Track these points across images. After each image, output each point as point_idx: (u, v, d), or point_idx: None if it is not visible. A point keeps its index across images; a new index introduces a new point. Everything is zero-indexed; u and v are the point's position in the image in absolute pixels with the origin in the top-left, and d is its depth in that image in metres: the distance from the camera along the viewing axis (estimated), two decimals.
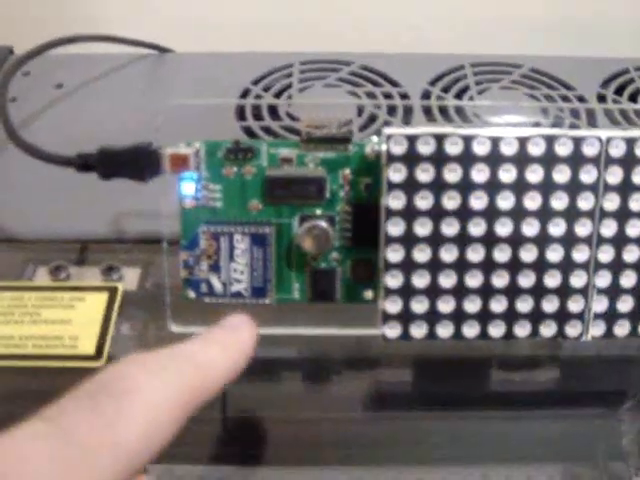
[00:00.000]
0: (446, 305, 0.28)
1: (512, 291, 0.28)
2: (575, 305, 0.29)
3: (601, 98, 0.44)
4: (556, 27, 0.55)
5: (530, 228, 0.28)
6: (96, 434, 0.19)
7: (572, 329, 0.29)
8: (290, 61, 0.46)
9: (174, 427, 0.20)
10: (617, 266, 0.29)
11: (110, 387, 0.20)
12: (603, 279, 0.29)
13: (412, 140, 0.27)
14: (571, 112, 0.42)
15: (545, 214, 0.28)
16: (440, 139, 0.27)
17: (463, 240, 0.28)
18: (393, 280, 0.28)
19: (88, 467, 0.18)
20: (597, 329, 0.29)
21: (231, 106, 0.42)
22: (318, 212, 0.29)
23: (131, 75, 0.46)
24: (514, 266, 0.28)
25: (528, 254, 0.28)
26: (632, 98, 0.44)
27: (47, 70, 0.46)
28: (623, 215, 0.28)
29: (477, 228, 0.28)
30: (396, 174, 0.27)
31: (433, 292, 0.28)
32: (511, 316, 0.29)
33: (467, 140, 0.27)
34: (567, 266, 0.28)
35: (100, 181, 0.31)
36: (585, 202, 0.28)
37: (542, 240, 0.28)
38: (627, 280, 0.29)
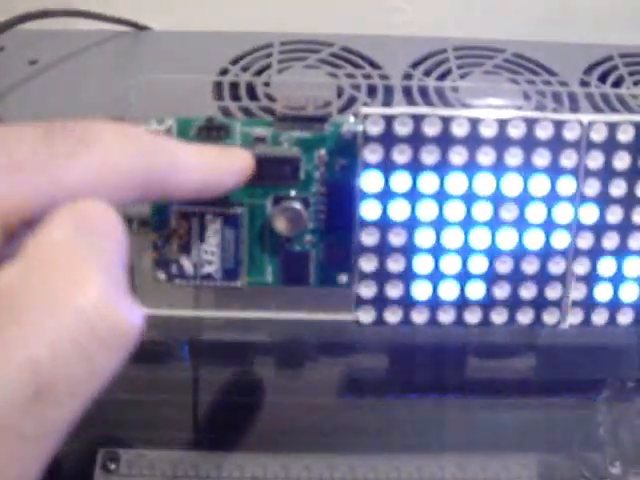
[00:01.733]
0: (422, 290, 0.28)
1: (489, 277, 0.28)
2: (553, 292, 0.28)
3: (584, 84, 0.44)
4: (540, 13, 0.54)
5: (509, 213, 0.27)
6: (40, 162, 0.18)
7: (550, 316, 0.29)
8: (270, 41, 0.45)
9: (118, 197, 0.20)
10: (596, 253, 0.28)
11: (73, 133, 0.19)
12: (582, 266, 0.28)
13: (389, 120, 0.27)
14: (553, 97, 0.41)
15: (524, 198, 0.27)
16: (418, 120, 0.27)
17: (440, 224, 0.27)
18: (367, 264, 0.28)
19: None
20: (575, 317, 0.29)
21: (208, 85, 0.41)
22: (292, 193, 0.28)
23: (107, 52, 0.45)
24: (492, 251, 0.28)
25: (506, 239, 0.28)
26: (616, 85, 0.44)
27: (21, 46, 0.45)
28: (603, 201, 0.28)
29: (454, 212, 0.27)
30: (372, 155, 0.27)
31: (408, 277, 0.28)
32: (488, 302, 0.28)
33: (445, 121, 0.27)
34: (546, 252, 0.28)
35: None
36: (565, 187, 0.27)
37: (521, 225, 0.28)
38: (606, 268, 0.28)
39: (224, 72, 0.43)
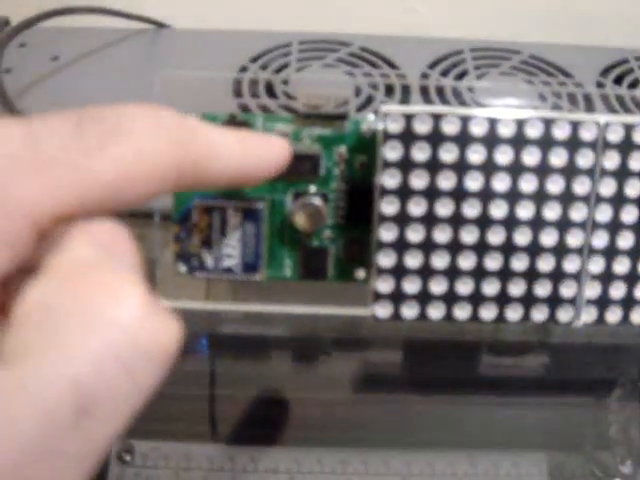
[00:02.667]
0: (438, 286, 0.28)
1: (505, 274, 0.28)
2: (568, 290, 0.29)
3: (600, 86, 0.44)
4: (556, 15, 0.55)
5: (525, 211, 0.28)
6: (71, 156, 0.18)
7: (564, 314, 0.29)
8: (289, 40, 0.45)
9: (150, 188, 0.19)
10: (611, 252, 0.29)
11: (105, 122, 0.19)
12: (596, 265, 0.29)
13: (409, 118, 0.27)
14: (569, 99, 0.42)
15: (540, 197, 0.28)
16: (437, 118, 0.27)
17: (457, 221, 0.28)
18: (385, 259, 0.28)
19: (54, 174, 0.18)
20: (589, 315, 0.29)
21: (228, 82, 0.41)
22: (312, 189, 0.29)
23: (128, 50, 0.46)
24: (508, 249, 0.28)
25: (522, 237, 0.28)
26: (631, 87, 0.44)
27: (43, 42, 0.46)
28: (619, 201, 0.28)
29: (471, 209, 0.28)
30: (392, 152, 0.27)
31: (425, 272, 0.28)
32: (503, 299, 0.29)
33: (464, 120, 0.27)
34: (561, 250, 0.28)
35: None
36: (581, 186, 0.28)
37: (536, 223, 0.28)
38: (620, 266, 0.29)
39: (243, 70, 0.43)
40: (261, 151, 0.24)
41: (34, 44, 0.46)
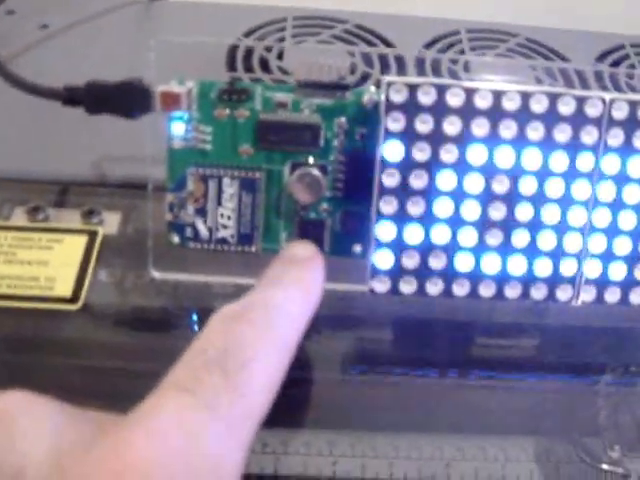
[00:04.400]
0: (437, 261, 0.28)
1: (505, 251, 0.28)
2: (568, 268, 0.28)
3: (596, 72, 0.44)
4: (553, 1, 0.54)
5: (527, 186, 0.27)
6: (235, 407, 0.19)
7: (563, 293, 0.29)
8: (284, 15, 0.45)
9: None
10: (612, 231, 0.28)
11: (233, 355, 0.20)
12: (597, 244, 0.28)
13: (413, 89, 0.26)
14: (565, 82, 0.41)
15: (543, 173, 0.27)
16: (441, 90, 0.26)
17: (458, 195, 0.27)
18: (384, 233, 0.28)
19: (233, 441, 0.18)
20: (588, 294, 0.29)
21: (221, 56, 0.41)
22: (311, 160, 0.28)
23: (119, 21, 0.45)
24: (509, 225, 0.28)
25: (524, 213, 0.28)
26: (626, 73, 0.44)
27: (32, 10, 0.45)
28: (621, 179, 0.28)
29: (473, 184, 0.27)
30: (394, 123, 0.27)
31: (425, 247, 0.28)
32: (503, 276, 0.28)
33: (469, 93, 0.27)
34: (562, 228, 0.28)
35: (84, 122, 0.30)
36: (584, 163, 0.27)
37: (539, 199, 0.28)
38: (621, 246, 0.28)
39: (237, 44, 0.43)
40: (317, 292, 0.25)
41: (22, 12, 0.45)
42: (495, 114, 0.27)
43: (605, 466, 0.32)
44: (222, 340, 0.20)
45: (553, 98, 0.27)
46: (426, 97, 0.27)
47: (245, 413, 0.19)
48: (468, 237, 0.28)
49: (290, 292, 0.23)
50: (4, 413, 0.18)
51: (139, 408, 0.18)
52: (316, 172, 0.28)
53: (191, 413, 0.18)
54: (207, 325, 0.21)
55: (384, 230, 0.28)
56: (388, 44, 0.43)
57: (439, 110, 0.27)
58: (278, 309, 0.22)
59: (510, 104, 0.27)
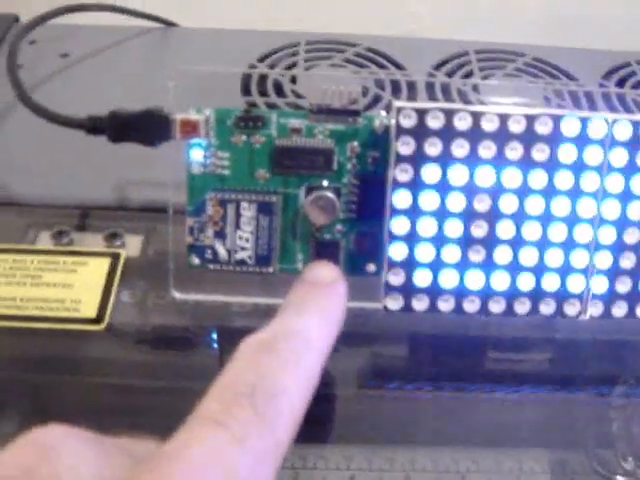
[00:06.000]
0: (448, 279, 0.29)
1: (514, 268, 0.29)
2: (575, 284, 0.29)
3: (603, 92, 0.45)
4: (560, 19, 0.55)
5: (534, 206, 0.28)
6: (263, 440, 0.19)
7: (571, 308, 0.29)
8: (296, 40, 0.46)
9: None
10: (618, 247, 0.29)
11: (262, 388, 0.20)
12: (603, 260, 0.29)
13: (421, 114, 0.28)
14: (573, 102, 0.42)
15: (549, 192, 0.28)
16: (449, 114, 0.28)
17: (468, 215, 0.28)
18: (397, 252, 0.29)
19: (262, 473, 0.19)
20: (595, 309, 0.30)
21: (236, 81, 0.42)
22: (325, 183, 0.29)
23: (137, 48, 0.46)
24: (517, 243, 0.29)
25: (531, 232, 0.28)
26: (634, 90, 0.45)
27: (53, 39, 0.46)
28: (626, 197, 0.29)
29: (482, 204, 0.28)
30: (405, 147, 0.28)
31: (436, 266, 0.29)
32: (512, 292, 0.29)
33: (476, 116, 0.28)
34: (569, 245, 0.29)
35: (106, 148, 0.31)
36: (589, 182, 0.28)
37: (545, 218, 0.28)
38: (627, 262, 0.29)
39: (251, 69, 0.44)
40: (339, 316, 0.25)
41: (44, 41, 0.46)
42: (501, 136, 0.28)
43: (619, 477, 0.32)
44: (251, 373, 0.21)
45: (557, 119, 0.28)
46: (435, 121, 0.28)
47: (272, 445, 0.19)
48: (478, 255, 0.29)
49: (314, 321, 0.24)
50: (49, 449, 0.18)
51: (174, 440, 0.18)
52: (330, 195, 0.29)
53: (225, 447, 0.19)
54: (235, 356, 0.21)
55: (396, 249, 0.29)
56: (398, 66, 0.45)
57: (448, 133, 0.28)
58: (303, 339, 0.23)
59: (516, 126, 0.28)
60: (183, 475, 0.17)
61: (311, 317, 0.24)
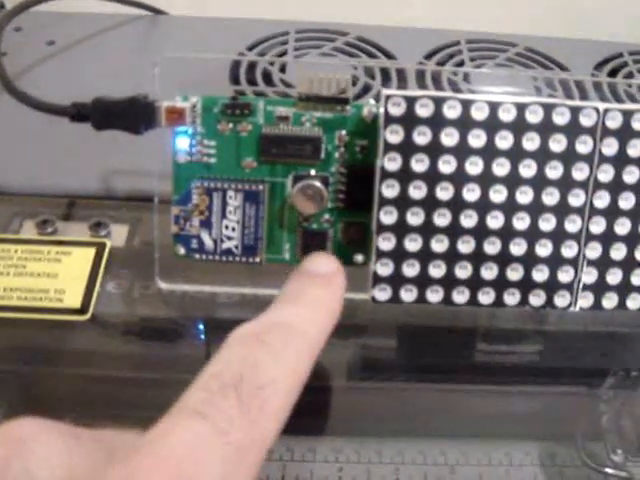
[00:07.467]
0: (437, 270, 0.28)
1: (503, 259, 0.28)
2: (565, 275, 0.29)
3: (594, 82, 0.44)
4: (552, 9, 0.55)
5: (524, 196, 0.28)
6: (246, 433, 0.19)
7: (561, 299, 0.29)
8: (286, 29, 0.45)
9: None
10: (608, 238, 0.29)
11: (249, 380, 0.20)
12: (593, 251, 0.29)
13: (410, 102, 0.27)
14: (564, 92, 0.42)
15: (539, 183, 0.28)
16: (438, 102, 0.27)
17: (457, 205, 0.28)
18: (385, 242, 0.28)
19: (242, 467, 0.18)
20: (585, 300, 0.29)
21: (225, 70, 0.41)
22: (312, 172, 0.29)
23: (124, 35, 0.46)
24: (507, 234, 0.28)
25: (521, 222, 0.28)
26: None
27: (39, 27, 0.46)
28: (616, 187, 0.28)
29: (471, 194, 0.28)
30: (393, 135, 0.27)
31: (425, 256, 0.28)
32: (501, 283, 0.29)
33: (465, 105, 0.27)
34: (559, 236, 0.29)
35: (91, 138, 0.31)
36: (580, 172, 0.28)
37: (535, 209, 0.28)
38: (617, 253, 0.29)
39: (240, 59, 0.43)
40: (336, 308, 0.25)
41: (29, 28, 0.45)
42: (491, 125, 0.27)
43: (609, 470, 0.32)
44: (238, 364, 0.20)
45: (548, 109, 0.28)
46: (424, 109, 0.27)
47: (255, 439, 0.19)
48: (467, 246, 0.28)
49: (308, 312, 0.23)
50: (20, 442, 0.18)
51: (152, 432, 0.18)
52: (318, 184, 0.29)
53: (204, 439, 0.18)
54: (224, 346, 0.21)
55: (384, 240, 0.28)
56: (389, 56, 0.44)
57: (437, 122, 0.27)
58: (295, 331, 0.22)
59: (506, 115, 0.27)
60: (154, 467, 0.17)
61: (304, 308, 0.23)
